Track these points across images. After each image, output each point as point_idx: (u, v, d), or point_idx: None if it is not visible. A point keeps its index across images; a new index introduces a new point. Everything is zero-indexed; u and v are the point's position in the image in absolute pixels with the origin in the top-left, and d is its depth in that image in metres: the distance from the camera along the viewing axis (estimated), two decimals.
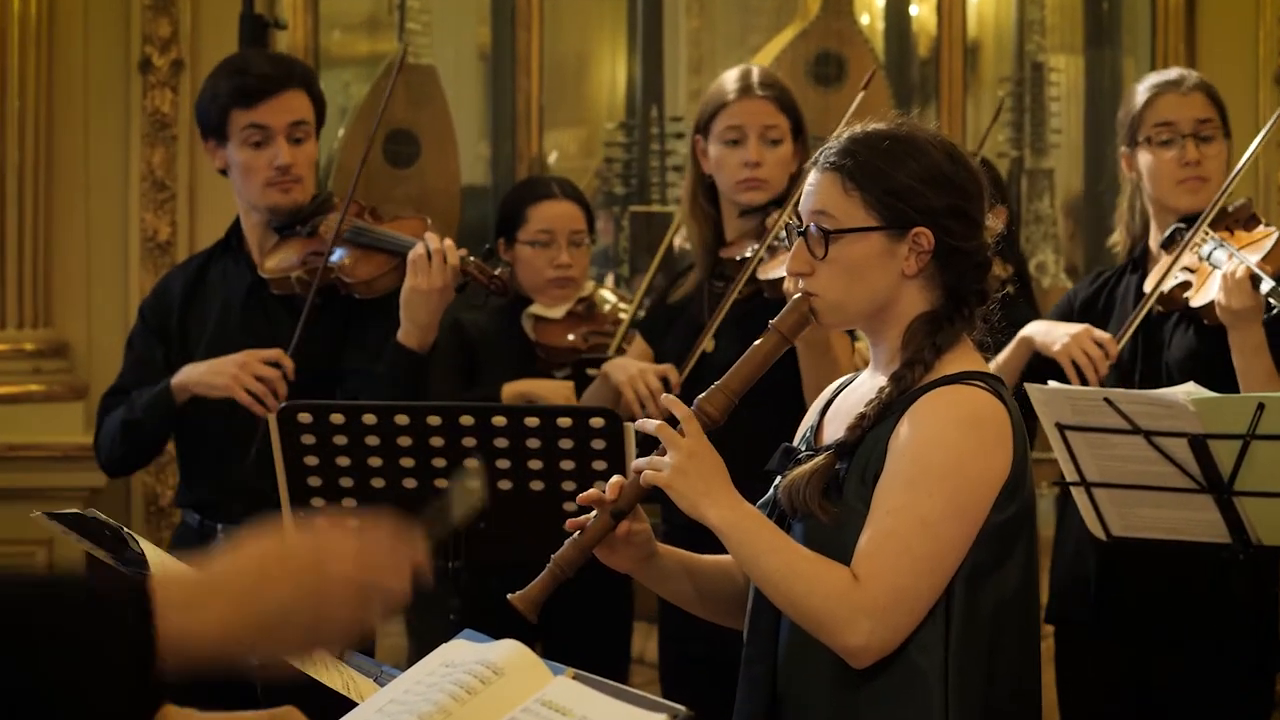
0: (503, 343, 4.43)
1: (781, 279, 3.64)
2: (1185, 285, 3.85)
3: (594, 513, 2.65)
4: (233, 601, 1.69)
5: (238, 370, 3.85)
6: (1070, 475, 3.46)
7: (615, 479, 2.65)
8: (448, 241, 3.86)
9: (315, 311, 3.92)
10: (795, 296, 2.66)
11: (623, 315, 4.47)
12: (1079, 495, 3.48)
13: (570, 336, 4.43)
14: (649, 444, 2.67)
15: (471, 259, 3.90)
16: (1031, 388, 3.44)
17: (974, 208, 2.64)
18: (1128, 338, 3.89)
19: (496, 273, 3.92)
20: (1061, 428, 3.40)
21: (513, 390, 4.34)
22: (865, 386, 2.69)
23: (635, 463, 2.63)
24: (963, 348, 2.64)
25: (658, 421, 2.62)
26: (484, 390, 4.33)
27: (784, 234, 3.80)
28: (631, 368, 3.98)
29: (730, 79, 4.04)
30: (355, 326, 3.98)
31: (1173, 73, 4.06)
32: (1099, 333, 3.88)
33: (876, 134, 2.64)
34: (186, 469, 4.10)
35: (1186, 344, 3.86)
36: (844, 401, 2.73)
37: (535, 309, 4.46)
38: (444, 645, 2.26)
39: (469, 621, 2.71)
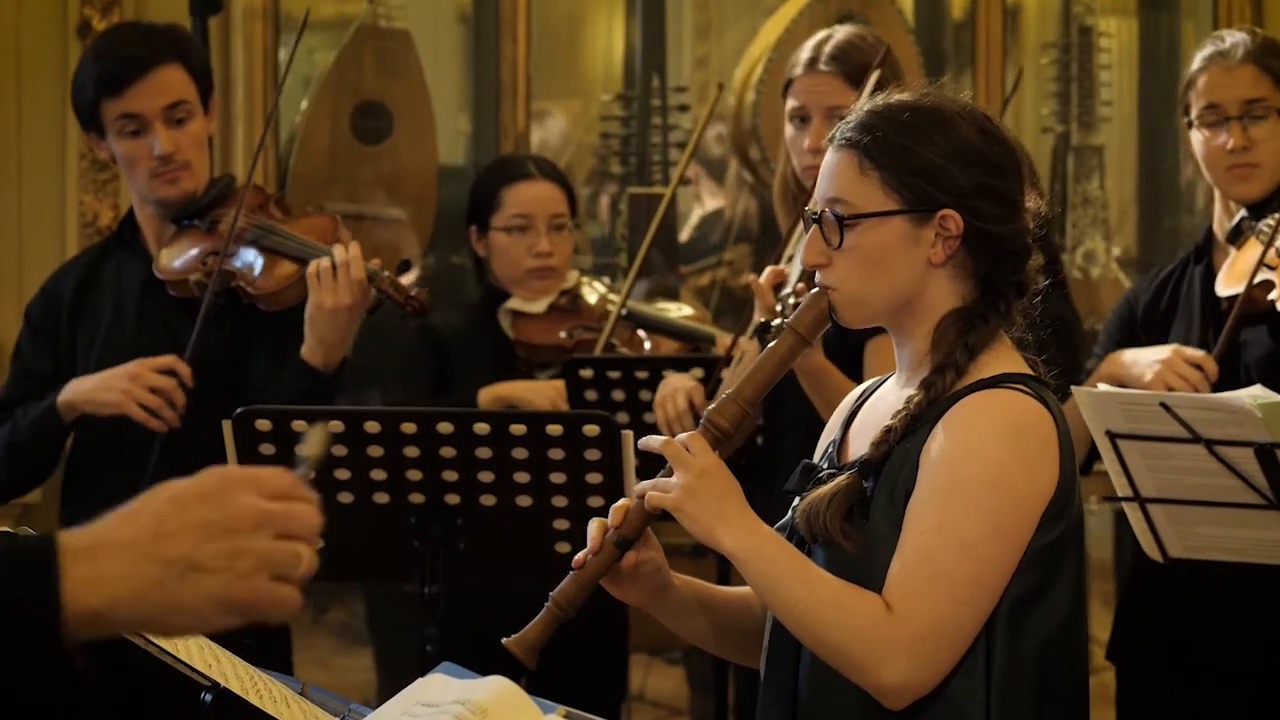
0: (478, 343, 4.43)
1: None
2: (1268, 285, 3.83)
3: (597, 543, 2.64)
4: (136, 552, 1.69)
5: (129, 383, 3.87)
6: (1123, 490, 3.45)
7: (619, 504, 2.64)
8: (354, 252, 3.85)
9: (216, 314, 3.94)
10: (812, 292, 2.66)
11: (611, 307, 4.46)
12: (1133, 512, 3.48)
13: (554, 333, 4.43)
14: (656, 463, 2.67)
15: (385, 274, 3.89)
16: (1079, 391, 3.43)
17: (1009, 187, 2.63)
18: (1221, 349, 3.82)
19: (413, 292, 3.90)
20: (1113, 436, 3.40)
21: (490, 395, 4.33)
22: (893, 396, 2.69)
23: (640, 485, 2.63)
24: (1000, 347, 2.64)
25: (661, 438, 2.62)
26: (458, 397, 4.33)
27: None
28: (666, 387, 3.98)
29: (804, 48, 3.99)
30: (259, 331, 3.98)
31: (1225, 39, 3.98)
32: (1191, 351, 3.83)
33: (898, 106, 2.63)
34: (68, 489, 4.12)
35: (1266, 344, 3.85)
36: (870, 413, 2.72)
37: (514, 303, 4.46)
38: (420, 680, 2.27)
39: (447, 653, 2.71)
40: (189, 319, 3.94)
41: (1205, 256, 4.01)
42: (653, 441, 2.62)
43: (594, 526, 2.63)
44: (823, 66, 3.91)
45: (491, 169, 4.72)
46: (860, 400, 2.78)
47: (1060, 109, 6.52)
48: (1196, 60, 3.98)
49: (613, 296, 4.53)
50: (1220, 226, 3.99)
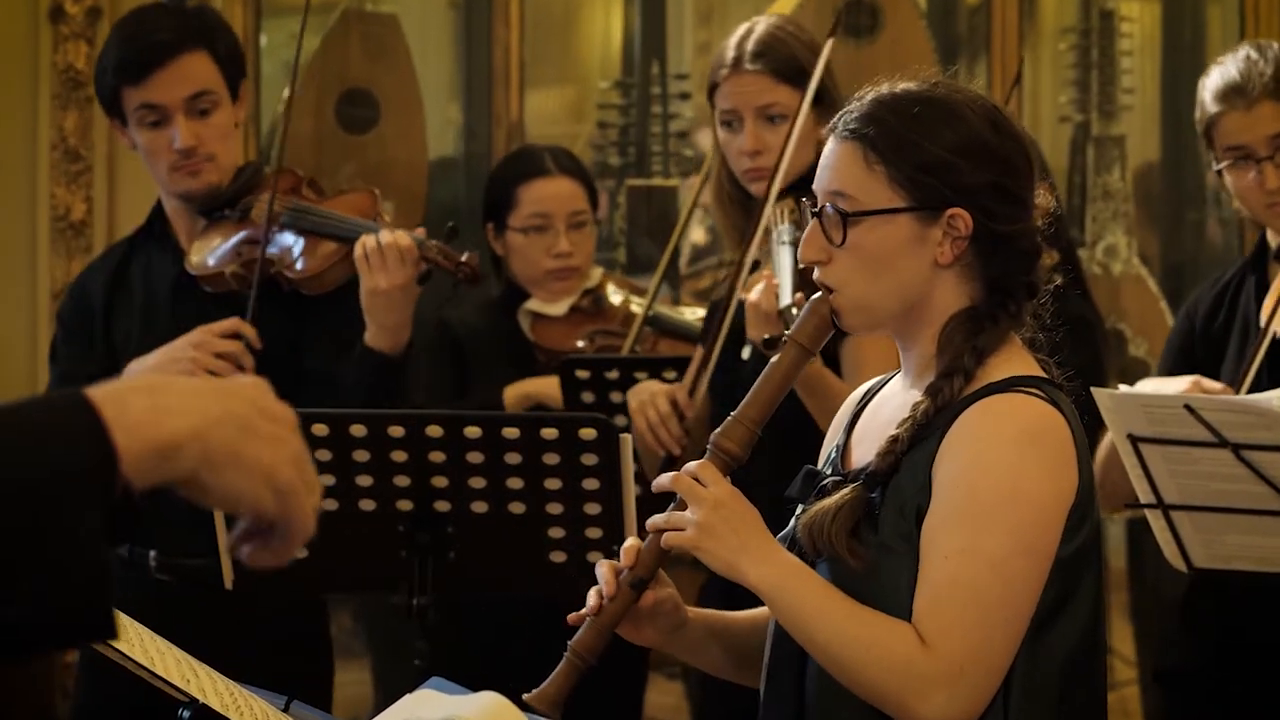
0: (497, 344, 4.43)
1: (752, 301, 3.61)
2: None
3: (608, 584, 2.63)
4: (199, 394, 1.68)
5: (195, 352, 3.84)
6: (1145, 496, 3.45)
7: (630, 543, 2.64)
8: (398, 231, 3.83)
9: (259, 309, 3.91)
10: (814, 298, 2.64)
11: (635, 310, 4.45)
12: (1155, 520, 3.48)
13: (574, 338, 4.42)
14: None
15: (433, 242, 3.88)
16: (1099, 393, 3.43)
17: (1020, 184, 2.62)
18: (1248, 383, 3.81)
19: (464, 258, 3.87)
20: (1135, 440, 3.40)
21: (517, 392, 4.33)
22: (898, 400, 2.67)
23: (652, 520, 2.61)
24: (1010, 349, 2.62)
25: (671, 474, 2.61)
26: (478, 400, 4.32)
27: (779, 228, 3.77)
28: (644, 393, 3.96)
29: (727, 47, 4.01)
30: (306, 322, 3.97)
31: (1233, 70, 3.94)
32: (1209, 383, 3.82)
33: (906, 97, 2.62)
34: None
35: None
36: (874, 417, 2.71)
37: (533, 305, 4.45)
38: (408, 695, 2.27)
39: (437, 667, 2.71)
40: (227, 314, 3.90)
41: (1260, 269, 4.00)
42: (663, 480, 2.61)
43: (605, 569, 2.62)
44: (748, 65, 3.94)
45: (507, 165, 4.69)
46: (863, 402, 2.77)
47: (1079, 97, 6.51)
48: (1211, 99, 3.94)
49: (637, 300, 4.51)
50: (1274, 240, 3.99)
